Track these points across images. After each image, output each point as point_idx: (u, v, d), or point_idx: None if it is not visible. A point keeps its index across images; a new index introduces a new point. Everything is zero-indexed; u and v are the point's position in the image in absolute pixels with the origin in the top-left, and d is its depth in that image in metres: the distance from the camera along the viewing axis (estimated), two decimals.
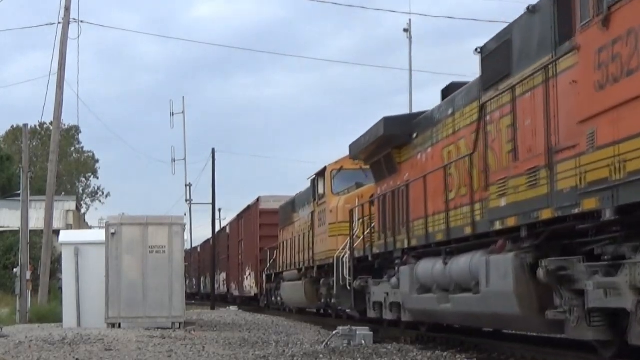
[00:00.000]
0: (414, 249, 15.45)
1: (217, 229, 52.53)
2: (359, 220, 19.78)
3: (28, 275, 30.59)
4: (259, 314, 32.97)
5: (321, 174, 23.71)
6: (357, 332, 15.49)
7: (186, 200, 60.20)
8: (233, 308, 40.80)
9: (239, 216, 41.62)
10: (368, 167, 19.76)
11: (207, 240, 55.11)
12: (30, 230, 34.33)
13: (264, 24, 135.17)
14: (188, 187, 57.29)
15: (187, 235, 65.74)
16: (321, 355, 13.45)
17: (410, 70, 41.96)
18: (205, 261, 55.35)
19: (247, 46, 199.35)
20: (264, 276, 34.11)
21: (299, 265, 26.42)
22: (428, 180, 14.65)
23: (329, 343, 15.47)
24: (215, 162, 48.59)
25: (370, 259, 18.30)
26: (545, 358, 11.69)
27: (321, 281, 23.45)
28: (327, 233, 22.54)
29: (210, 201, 49.70)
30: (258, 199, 36.15)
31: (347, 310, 20.89)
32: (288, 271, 28.44)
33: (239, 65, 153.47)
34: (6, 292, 41.75)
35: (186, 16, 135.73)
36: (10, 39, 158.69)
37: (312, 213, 24.72)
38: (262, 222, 35.72)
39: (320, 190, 23.61)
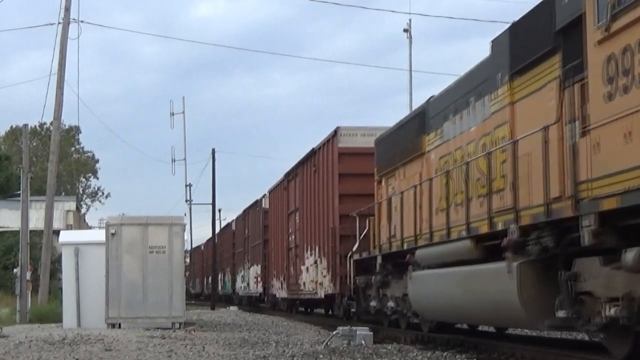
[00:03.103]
0: None
1: (217, 229, 52.37)
2: None
3: (28, 275, 30.58)
4: (259, 314, 32.73)
5: None
6: (357, 332, 15.48)
7: (186, 201, 60.46)
8: (233, 308, 40.65)
9: (289, 175, 28.52)
10: None
11: (227, 226, 48.09)
12: (30, 231, 34.33)
13: (264, 24, 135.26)
14: (188, 188, 57.39)
15: (187, 236, 65.83)
16: (321, 356, 13.44)
17: (410, 70, 41.97)
18: (223, 254, 48.21)
19: (247, 46, 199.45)
20: (351, 263, 20.35)
21: (492, 227, 12.30)
22: None
23: (329, 343, 15.46)
24: (215, 162, 48.59)
25: None
26: (545, 358, 11.68)
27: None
28: None
29: (210, 201, 49.69)
30: (335, 132, 22.20)
31: None
32: (429, 247, 15.01)
33: (239, 65, 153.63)
34: (6, 292, 41.75)
35: (186, 16, 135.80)
36: (10, 39, 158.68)
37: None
38: (343, 171, 21.79)
39: None
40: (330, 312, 26.06)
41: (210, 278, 51.08)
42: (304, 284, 25.81)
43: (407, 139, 17.19)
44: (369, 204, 19.73)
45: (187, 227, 61.48)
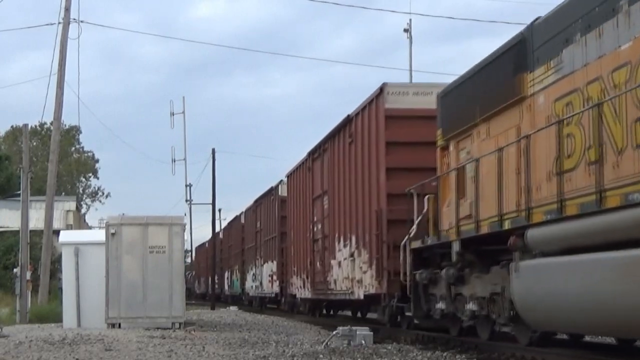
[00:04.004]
0: None
1: (217, 229, 52.29)
2: None
3: (28, 275, 30.58)
4: (259, 314, 32.65)
5: None
6: (357, 332, 15.46)
7: (186, 201, 60.56)
8: (233, 308, 40.61)
9: (315, 153, 23.94)
10: None
11: (236, 219, 44.33)
12: (30, 230, 34.31)
13: (264, 24, 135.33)
14: (188, 188, 57.41)
15: (187, 236, 65.85)
16: (321, 356, 13.43)
17: (411, 70, 41.94)
18: (231, 250, 45.26)
19: (247, 46, 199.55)
20: (408, 254, 15.73)
21: None
22: None
23: (329, 343, 15.44)
24: (215, 162, 48.62)
25: None
26: (545, 358, 11.67)
27: None
28: None
29: (210, 201, 49.73)
30: (381, 90, 17.57)
31: None
32: (554, 223, 10.29)
33: (239, 65, 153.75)
34: (6, 292, 41.74)
35: (186, 16, 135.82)
36: (10, 39, 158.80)
37: None
38: (391, 139, 17.31)
39: None
40: (359, 315, 22.56)
41: (216, 277, 49.39)
42: (335, 281, 21.15)
43: (493, 84, 12.59)
44: (424, 179, 15.36)
45: (187, 227, 61.62)
